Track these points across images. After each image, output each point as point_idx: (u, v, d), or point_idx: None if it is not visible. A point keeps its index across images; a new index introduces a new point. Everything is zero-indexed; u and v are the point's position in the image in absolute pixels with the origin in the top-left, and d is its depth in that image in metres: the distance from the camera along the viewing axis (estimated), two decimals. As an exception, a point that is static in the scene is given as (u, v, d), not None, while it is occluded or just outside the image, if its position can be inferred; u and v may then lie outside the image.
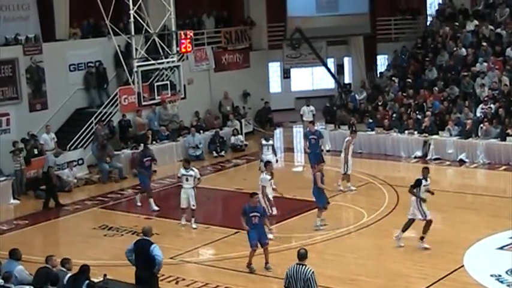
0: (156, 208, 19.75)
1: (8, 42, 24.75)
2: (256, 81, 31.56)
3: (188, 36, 22.40)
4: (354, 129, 23.27)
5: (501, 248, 15.65)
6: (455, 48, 28.97)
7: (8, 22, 24.99)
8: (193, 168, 18.50)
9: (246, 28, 31.66)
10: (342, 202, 19.55)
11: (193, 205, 18.11)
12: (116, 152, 24.21)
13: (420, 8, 34.66)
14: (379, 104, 27.50)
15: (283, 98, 33.66)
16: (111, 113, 25.52)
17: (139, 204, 20.36)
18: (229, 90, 29.72)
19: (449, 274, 14.48)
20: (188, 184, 18.18)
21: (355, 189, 20.72)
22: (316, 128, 22.73)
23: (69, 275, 12.55)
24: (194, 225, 18.13)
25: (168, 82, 23.50)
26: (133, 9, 21.51)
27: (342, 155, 20.94)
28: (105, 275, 12.76)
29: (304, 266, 10.81)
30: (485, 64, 27.34)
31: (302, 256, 10.93)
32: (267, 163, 18.45)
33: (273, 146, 21.64)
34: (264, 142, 21.54)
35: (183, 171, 18.35)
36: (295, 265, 10.87)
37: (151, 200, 19.97)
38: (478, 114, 25.01)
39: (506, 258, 14.91)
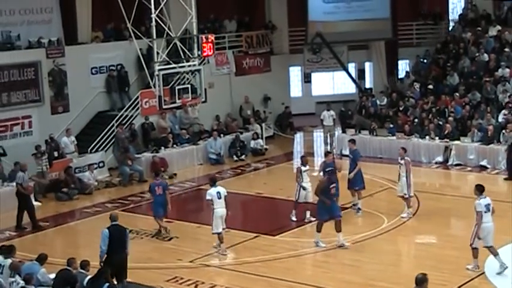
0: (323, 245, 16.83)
1: (31, 46, 24.95)
2: (276, 86, 31.57)
3: (209, 40, 22.54)
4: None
5: (522, 255, 15.51)
6: (477, 54, 28.83)
7: (31, 25, 25.19)
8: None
9: (267, 32, 31.67)
10: (362, 207, 19.46)
11: None
12: (136, 155, 24.30)
13: (442, 13, 34.48)
14: (400, 109, 27.41)
15: (303, 103, 33.67)
16: (132, 116, 25.64)
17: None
18: (249, 94, 29.75)
19: (469, 281, 14.41)
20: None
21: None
22: (333, 157, 19.44)
23: (88, 277, 12.65)
24: None
25: (189, 86, 23.63)
26: (155, 13, 21.65)
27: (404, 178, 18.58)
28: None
29: None
30: (508, 70, 27.18)
31: (418, 281, 10.58)
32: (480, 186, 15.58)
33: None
34: (303, 168, 18.75)
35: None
36: None
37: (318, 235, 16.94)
38: (500, 120, 24.86)
39: (528, 266, 14.79)
